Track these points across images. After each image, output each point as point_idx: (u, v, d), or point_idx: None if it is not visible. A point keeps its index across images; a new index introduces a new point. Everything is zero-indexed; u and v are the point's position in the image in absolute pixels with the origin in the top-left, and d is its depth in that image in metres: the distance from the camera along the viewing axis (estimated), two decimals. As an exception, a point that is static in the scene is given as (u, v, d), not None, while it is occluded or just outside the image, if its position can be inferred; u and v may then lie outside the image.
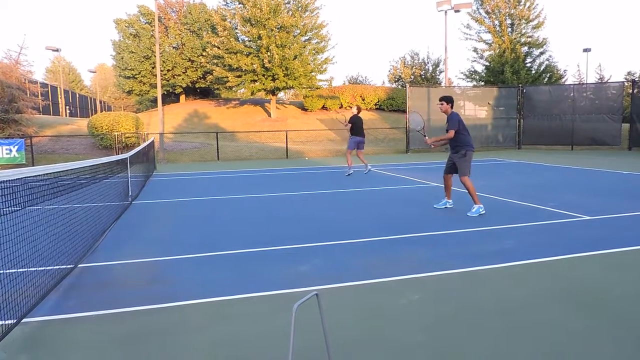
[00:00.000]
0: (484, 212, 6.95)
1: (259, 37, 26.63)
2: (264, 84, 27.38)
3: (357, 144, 12.21)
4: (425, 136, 7.50)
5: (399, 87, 36.99)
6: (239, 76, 27.51)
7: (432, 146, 7.37)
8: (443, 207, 7.51)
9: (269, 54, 26.10)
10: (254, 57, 26.94)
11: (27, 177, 3.52)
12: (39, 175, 3.86)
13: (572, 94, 21.82)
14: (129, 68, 33.27)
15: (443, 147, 8.32)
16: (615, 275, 4.21)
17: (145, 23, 33.83)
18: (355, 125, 12.02)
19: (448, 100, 7.13)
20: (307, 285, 4.01)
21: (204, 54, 30.31)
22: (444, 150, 21.04)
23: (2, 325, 3.09)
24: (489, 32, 30.17)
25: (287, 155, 20.18)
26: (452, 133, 6.91)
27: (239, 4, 27.87)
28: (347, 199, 8.90)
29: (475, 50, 31.12)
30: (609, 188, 9.78)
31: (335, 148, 22.27)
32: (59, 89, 41.02)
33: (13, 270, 3.47)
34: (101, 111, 44.82)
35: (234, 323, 3.34)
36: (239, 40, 27.72)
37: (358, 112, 12.18)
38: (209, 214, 7.61)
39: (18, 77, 20.81)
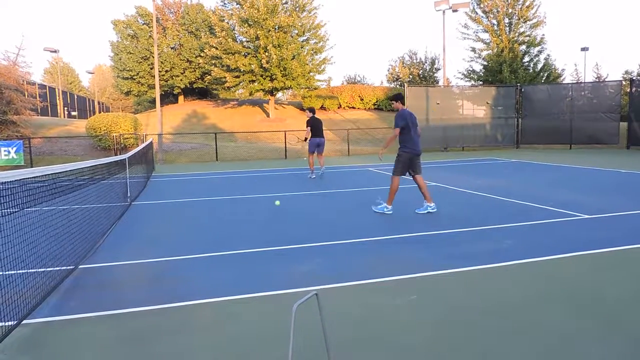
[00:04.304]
0: (389, 212, 7.08)
1: (257, 38, 26.63)
2: (262, 85, 27.37)
3: (317, 146, 12.18)
4: None
5: (397, 86, 37.02)
6: (237, 77, 27.51)
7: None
8: (425, 212, 7.12)
9: (266, 54, 26.09)
10: (252, 58, 26.94)
11: (26, 178, 3.52)
12: (37, 176, 3.86)
13: (570, 93, 21.86)
14: (127, 69, 33.24)
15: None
16: (612, 274, 4.22)
17: (143, 24, 33.80)
18: (315, 128, 12.07)
19: (397, 98, 7.38)
20: (308, 285, 4.01)
21: (202, 54, 30.28)
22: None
23: (2, 326, 3.09)
24: (487, 32, 30.19)
25: (285, 155, 20.18)
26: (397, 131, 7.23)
27: (237, 4, 27.86)
28: (346, 199, 8.90)
29: (473, 49, 31.14)
30: (608, 187, 9.80)
31: (334, 148, 22.27)
32: (57, 90, 40.97)
33: (13, 272, 3.47)
34: (99, 112, 44.73)
35: (236, 323, 3.35)
36: (236, 41, 27.71)
37: (313, 114, 12.22)
38: (208, 215, 7.61)
39: (16, 78, 20.79)
